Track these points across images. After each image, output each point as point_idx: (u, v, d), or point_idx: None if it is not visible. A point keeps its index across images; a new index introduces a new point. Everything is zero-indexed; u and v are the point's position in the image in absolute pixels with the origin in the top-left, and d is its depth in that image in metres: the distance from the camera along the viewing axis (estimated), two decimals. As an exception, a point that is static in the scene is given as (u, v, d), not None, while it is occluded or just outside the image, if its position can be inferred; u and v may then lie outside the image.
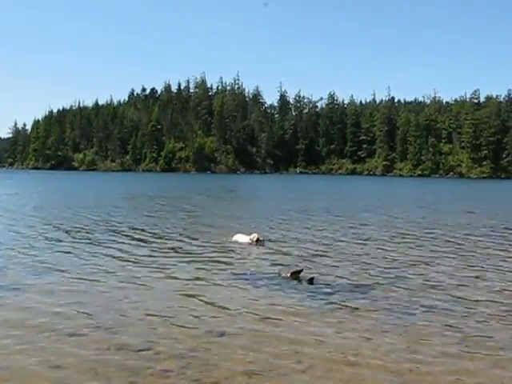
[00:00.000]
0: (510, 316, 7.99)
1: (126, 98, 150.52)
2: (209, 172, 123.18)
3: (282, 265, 11.32)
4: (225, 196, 39.70)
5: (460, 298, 9.05)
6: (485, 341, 6.86)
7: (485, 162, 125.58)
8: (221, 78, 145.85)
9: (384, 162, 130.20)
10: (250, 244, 14.24)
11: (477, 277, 10.83)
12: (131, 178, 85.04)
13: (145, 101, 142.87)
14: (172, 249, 13.66)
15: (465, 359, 6.22)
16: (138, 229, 17.63)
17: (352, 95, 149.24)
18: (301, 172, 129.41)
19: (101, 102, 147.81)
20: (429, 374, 5.77)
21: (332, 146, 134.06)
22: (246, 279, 10.07)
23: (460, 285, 10.04)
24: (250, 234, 14.86)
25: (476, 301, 8.84)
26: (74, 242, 14.38)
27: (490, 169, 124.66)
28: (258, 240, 14.42)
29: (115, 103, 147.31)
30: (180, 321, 7.40)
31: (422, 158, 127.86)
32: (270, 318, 7.63)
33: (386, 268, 11.48)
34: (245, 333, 6.97)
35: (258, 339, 6.73)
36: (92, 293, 8.92)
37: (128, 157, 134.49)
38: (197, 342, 6.56)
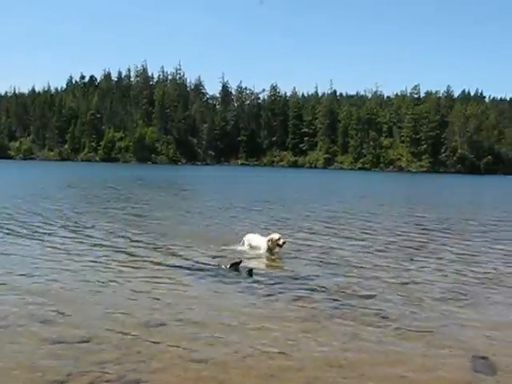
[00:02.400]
0: (445, 302, 8.32)
1: (64, 86, 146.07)
2: (149, 162, 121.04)
3: (221, 256, 11.42)
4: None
5: (397, 285, 9.38)
6: (420, 327, 7.09)
7: (424, 157, 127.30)
8: (162, 67, 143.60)
9: (325, 155, 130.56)
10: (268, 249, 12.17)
11: (412, 265, 11.14)
12: (68, 167, 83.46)
13: (84, 88, 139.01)
14: (108, 241, 13.43)
15: (400, 347, 6.38)
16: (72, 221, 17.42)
17: (294, 88, 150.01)
18: (242, 164, 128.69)
19: (37, 89, 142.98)
20: (365, 362, 5.89)
21: (274, 138, 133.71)
22: (185, 271, 10.07)
23: (396, 275, 10.28)
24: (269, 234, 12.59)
25: (413, 287, 9.21)
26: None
27: (428, 163, 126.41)
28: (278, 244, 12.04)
29: (53, 90, 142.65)
30: (118, 312, 7.36)
31: (363, 151, 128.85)
32: (208, 309, 7.68)
33: (323, 259, 11.62)
34: (183, 323, 6.98)
35: (197, 329, 6.76)
36: (28, 286, 8.72)
37: (66, 146, 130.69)
38: (135, 332, 6.55)
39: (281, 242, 11.95)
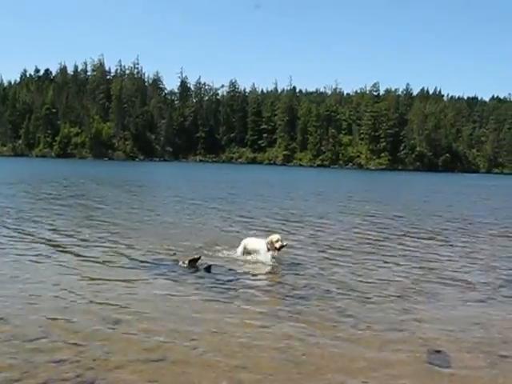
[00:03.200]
0: (401, 298, 8.44)
1: (18, 79, 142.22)
2: (106, 159, 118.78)
3: (179, 253, 11.26)
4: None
5: (354, 282, 9.44)
6: (377, 323, 7.17)
7: (383, 154, 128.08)
8: (119, 61, 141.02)
9: (284, 152, 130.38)
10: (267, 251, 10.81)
11: (368, 263, 11.28)
12: (22, 163, 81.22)
13: (38, 82, 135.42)
14: (63, 239, 13.15)
15: (357, 342, 6.43)
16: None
17: (254, 83, 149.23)
18: (200, 160, 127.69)
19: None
20: (322, 357, 5.92)
21: (232, 135, 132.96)
22: (143, 267, 9.96)
23: (352, 272, 10.33)
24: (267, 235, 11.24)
25: (369, 285, 9.27)
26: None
27: (387, 160, 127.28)
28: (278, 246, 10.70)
29: (5, 83, 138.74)
30: (75, 310, 7.27)
31: (322, 148, 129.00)
32: (166, 306, 7.62)
33: (282, 257, 11.34)
34: (140, 320, 6.90)
35: (154, 327, 6.70)
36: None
37: (20, 141, 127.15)
38: (91, 330, 6.47)
39: (277, 244, 10.54)
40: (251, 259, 10.79)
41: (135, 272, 9.59)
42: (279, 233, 11.43)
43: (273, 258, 10.68)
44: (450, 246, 14.40)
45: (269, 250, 10.62)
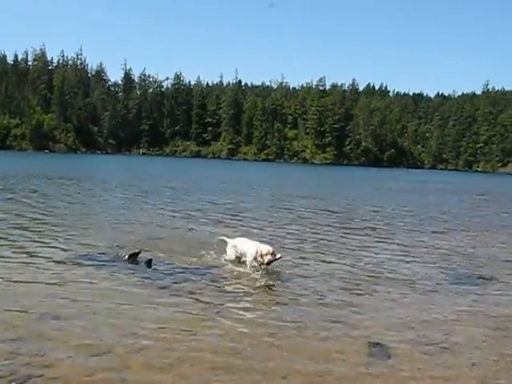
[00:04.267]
0: (342, 292, 8.53)
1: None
2: (47, 151, 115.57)
3: (119, 247, 11.10)
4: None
5: (294, 277, 9.37)
6: (318, 316, 7.26)
7: (328, 149, 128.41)
8: (62, 51, 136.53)
9: (229, 146, 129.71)
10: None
11: (308, 258, 11.38)
12: None
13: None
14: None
15: (298, 335, 6.48)
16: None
17: (199, 76, 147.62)
18: (144, 153, 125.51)
19: None
20: (265, 349, 5.95)
21: (177, 128, 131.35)
22: (82, 261, 9.81)
23: (292, 267, 10.23)
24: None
25: (311, 279, 9.26)
26: None
27: (333, 155, 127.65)
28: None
29: None
30: (11, 305, 7.04)
31: (268, 142, 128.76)
32: (106, 300, 7.47)
33: (222, 251, 11.14)
34: (80, 315, 6.77)
35: (92, 322, 6.59)
36: None
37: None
38: (28, 326, 6.30)
39: (266, 258, 9.19)
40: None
41: (74, 266, 9.44)
42: (268, 244, 9.91)
43: (257, 270, 9.34)
44: (390, 240, 14.53)
45: (255, 259, 9.38)
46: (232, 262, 10.00)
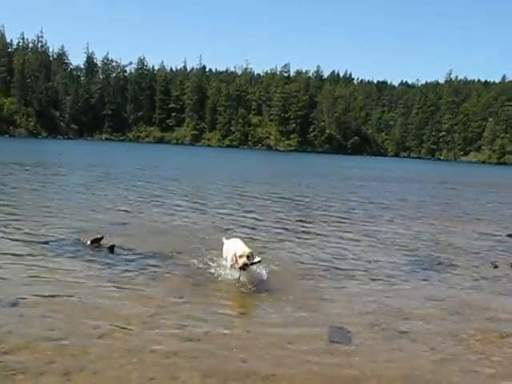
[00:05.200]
0: (304, 277, 8.53)
1: None
2: (7, 135, 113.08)
3: (82, 232, 10.95)
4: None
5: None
6: (280, 300, 7.31)
7: (292, 136, 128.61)
8: (22, 33, 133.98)
9: (193, 132, 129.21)
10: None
11: (272, 242, 11.47)
12: None
13: None
14: None
15: (260, 319, 6.55)
16: None
17: (162, 61, 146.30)
18: (106, 139, 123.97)
19: None
20: (223, 335, 5.96)
21: (140, 113, 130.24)
22: (44, 246, 9.65)
23: (258, 252, 9.99)
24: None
25: (274, 264, 9.03)
26: None
27: (297, 142, 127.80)
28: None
29: None
30: None
31: (232, 128, 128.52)
32: (67, 286, 7.36)
33: (186, 236, 11.49)
34: (40, 301, 6.67)
35: (55, 306, 6.50)
36: None
37: None
38: None
39: (241, 261, 7.84)
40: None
41: (35, 251, 9.28)
42: (253, 248, 8.60)
43: (237, 279, 8.02)
44: (350, 228, 14.58)
45: (233, 261, 8.12)
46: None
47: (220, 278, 8.08)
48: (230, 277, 8.06)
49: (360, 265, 10.01)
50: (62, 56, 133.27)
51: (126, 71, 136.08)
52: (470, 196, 28.80)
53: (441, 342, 6.15)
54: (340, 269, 9.51)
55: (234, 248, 8.15)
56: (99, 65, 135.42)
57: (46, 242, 9.98)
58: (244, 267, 7.82)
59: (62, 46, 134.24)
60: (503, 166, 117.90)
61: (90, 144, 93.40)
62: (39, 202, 15.44)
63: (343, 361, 5.47)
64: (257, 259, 8.15)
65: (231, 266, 8.13)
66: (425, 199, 24.94)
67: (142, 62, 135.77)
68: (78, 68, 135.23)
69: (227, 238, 9.11)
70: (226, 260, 8.48)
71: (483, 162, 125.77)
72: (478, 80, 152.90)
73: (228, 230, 12.60)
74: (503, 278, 9.71)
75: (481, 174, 67.67)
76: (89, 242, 9.96)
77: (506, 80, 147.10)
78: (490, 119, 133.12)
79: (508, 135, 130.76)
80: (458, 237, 14.16)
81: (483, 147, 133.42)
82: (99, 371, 4.89)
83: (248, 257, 7.88)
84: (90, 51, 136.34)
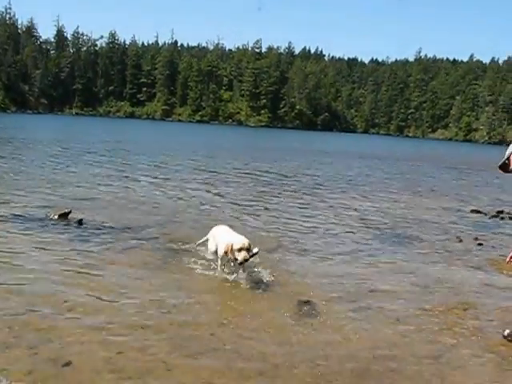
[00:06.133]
0: (276, 251, 8.43)
1: None
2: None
3: (49, 207, 10.84)
4: None
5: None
6: (249, 275, 7.11)
7: (263, 111, 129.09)
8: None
9: (163, 107, 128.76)
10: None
11: (243, 217, 11.59)
12: None
13: None
14: None
15: (225, 293, 6.58)
16: None
17: (134, 36, 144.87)
18: (77, 113, 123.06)
19: None
20: (193, 308, 5.94)
21: (111, 88, 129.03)
22: (11, 221, 9.50)
23: (232, 225, 10.19)
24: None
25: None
26: None
27: (267, 118, 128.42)
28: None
29: None
30: None
31: (202, 103, 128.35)
32: (35, 261, 7.28)
33: (153, 210, 11.58)
34: (6, 277, 6.53)
35: (22, 281, 6.39)
36: None
37: None
38: None
39: (240, 256, 6.75)
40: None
41: (2, 226, 9.16)
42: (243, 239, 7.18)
43: (231, 272, 7.12)
44: (317, 203, 14.67)
45: (226, 254, 6.94)
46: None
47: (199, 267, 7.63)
48: (218, 272, 7.20)
49: (327, 240, 10.08)
50: (31, 29, 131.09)
51: (96, 45, 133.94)
52: (436, 173, 28.96)
53: (406, 314, 6.26)
54: (307, 244, 9.55)
55: (229, 238, 7.03)
56: (69, 38, 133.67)
57: (13, 218, 9.83)
58: (242, 262, 6.79)
59: (31, 19, 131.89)
60: (469, 143, 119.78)
61: (59, 119, 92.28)
62: (5, 178, 15.26)
63: (312, 333, 5.53)
64: (255, 250, 7.12)
65: (222, 259, 7.14)
66: (391, 176, 25.13)
67: (113, 36, 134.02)
68: (47, 41, 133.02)
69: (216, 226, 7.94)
70: (215, 252, 7.47)
71: (450, 139, 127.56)
72: (447, 59, 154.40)
73: (192, 205, 12.84)
74: (467, 252, 9.90)
75: (447, 151, 68.14)
76: (56, 217, 9.88)
77: (474, 59, 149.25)
78: (458, 97, 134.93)
79: (474, 113, 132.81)
80: (424, 212, 14.38)
81: (450, 125, 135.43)
82: (65, 345, 4.83)
83: (248, 249, 6.81)
84: (61, 24, 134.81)
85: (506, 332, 5.65)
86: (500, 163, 5.75)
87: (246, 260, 6.80)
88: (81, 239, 8.65)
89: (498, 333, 5.76)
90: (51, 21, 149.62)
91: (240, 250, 6.76)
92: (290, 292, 6.73)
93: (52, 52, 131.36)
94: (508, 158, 5.64)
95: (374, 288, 7.24)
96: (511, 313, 6.53)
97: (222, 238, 7.25)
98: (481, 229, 12.47)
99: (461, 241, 10.77)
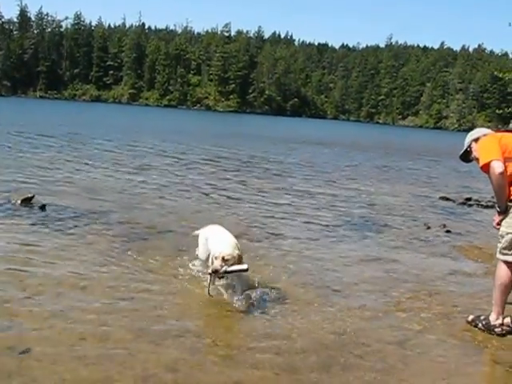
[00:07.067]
0: (241, 237, 7.26)
1: None
2: None
3: (11, 192, 10.65)
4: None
5: (193, 218, 9.09)
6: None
7: (232, 96, 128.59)
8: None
9: (130, 90, 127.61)
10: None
11: (206, 200, 11.71)
12: None
13: None
14: None
15: (188, 283, 6.33)
16: None
17: (100, 17, 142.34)
18: (41, 96, 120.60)
19: None
20: (157, 295, 5.84)
21: (76, 71, 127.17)
22: None
23: (195, 210, 10.45)
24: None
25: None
26: None
27: (236, 103, 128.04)
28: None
29: None
30: None
31: (170, 88, 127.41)
32: None
33: (121, 196, 11.48)
34: None
35: None
36: None
37: None
38: None
39: (216, 263, 5.54)
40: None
41: None
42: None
43: (209, 282, 5.81)
44: (286, 190, 14.62)
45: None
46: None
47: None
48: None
49: (294, 226, 10.07)
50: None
51: (61, 26, 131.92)
52: (405, 160, 29.08)
53: (372, 300, 6.28)
54: (274, 230, 9.52)
55: (219, 245, 5.80)
56: (33, 19, 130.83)
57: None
58: (215, 272, 5.58)
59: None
60: (439, 130, 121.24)
61: (22, 102, 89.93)
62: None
63: (277, 319, 5.52)
64: (241, 267, 5.68)
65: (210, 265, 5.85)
66: (360, 163, 25.13)
67: (78, 17, 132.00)
68: (10, 21, 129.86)
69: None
70: (204, 258, 6.43)
71: (420, 127, 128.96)
72: (418, 45, 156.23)
73: (156, 190, 12.78)
74: (435, 238, 9.96)
75: (417, 138, 68.51)
76: (19, 202, 9.67)
77: (445, 46, 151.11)
78: (428, 84, 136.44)
79: (444, 100, 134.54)
80: (392, 199, 14.44)
81: (421, 112, 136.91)
82: (26, 332, 4.74)
83: (226, 261, 5.56)
84: (24, 4, 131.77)
85: (470, 317, 5.68)
86: (461, 153, 5.77)
87: (215, 271, 5.56)
88: (44, 224, 8.50)
89: (463, 318, 5.79)
90: (14, 0, 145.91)
91: (216, 258, 5.61)
92: (255, 278, 6.53)
93: (15, 33, 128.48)
94: (469, 146, 5.64)
95: (341, 274, 7.23)
96: (476, 299, 6.54)
97: (214, 244, 5.98)
98: (449, 216, 12.55)
99: (429, 228, 10.79)
